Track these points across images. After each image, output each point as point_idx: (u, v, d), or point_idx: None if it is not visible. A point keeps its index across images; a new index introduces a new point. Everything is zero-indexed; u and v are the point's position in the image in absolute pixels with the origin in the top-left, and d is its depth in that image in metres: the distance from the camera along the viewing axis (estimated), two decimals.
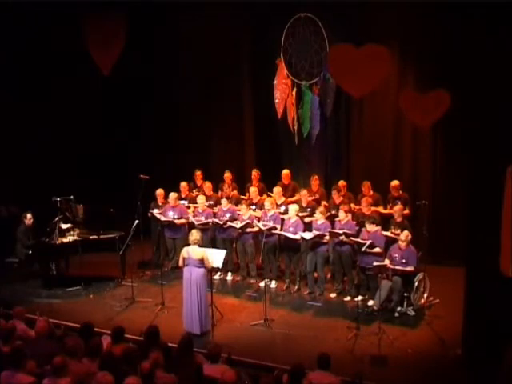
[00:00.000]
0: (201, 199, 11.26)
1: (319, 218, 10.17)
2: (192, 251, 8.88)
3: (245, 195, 11.84)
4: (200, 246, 8.99)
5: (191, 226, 11.02)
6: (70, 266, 11.26)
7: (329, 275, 10.58)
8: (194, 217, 11.21)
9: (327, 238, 10.05)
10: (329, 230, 10.00)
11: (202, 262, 8.85)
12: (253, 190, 11.41)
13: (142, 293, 10.44)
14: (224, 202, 11.15)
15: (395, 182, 10.88)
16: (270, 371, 7.02)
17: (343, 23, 11.77)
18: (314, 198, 11.17)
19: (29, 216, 11.19)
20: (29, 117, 12.28)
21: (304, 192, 10.97)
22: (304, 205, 10.81)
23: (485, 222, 7.27)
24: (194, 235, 8.94)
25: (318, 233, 10.02)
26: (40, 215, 11.14)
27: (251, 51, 13.01)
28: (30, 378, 6.01)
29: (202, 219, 11.08)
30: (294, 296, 10.44)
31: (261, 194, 11.52)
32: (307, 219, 10.54)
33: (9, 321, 7.50)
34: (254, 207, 11.18)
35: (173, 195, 11.33)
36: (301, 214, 10.57)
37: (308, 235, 10.11)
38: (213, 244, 10.87)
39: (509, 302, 7.11)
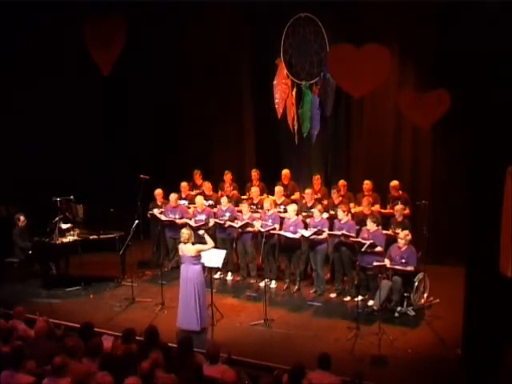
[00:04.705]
0: (199, 199, 11.26)
1: (317, 216, 10.17)
2: (185, 249, 8.94)
3: (245, 195, 11.85)
4: (193, 243, 9.03)
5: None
6: (70, 265, 11.26)
7: (328, 275, 10.59)
8: (193, 217, 11.19)
9: (325, 234, 10.04)
10: (327, 231, 9.99)
11: (197, 258, 8.91)
12: (254, 190, 11.41)
13: (142, 293, 10.44)
14: (224, 201, 11.14)
15: (395, 182, 10.89)
16: (270, 371, 7.01)
17: (343, 23, 11.77)
18: (315, 197, 11.17)
19: (22, 218, 11.20)
20: (29, 117, 12.29)
21: (308, 191, 10.96)
22: (309, 204, 10.78)
23: (485, 222, 7.26)
24: (184, 235, 8.95)
25: (316, 229, 10.00)
26: (40, 215, 11.13)
27: (251, 51, 13.01)
28: (30, 377, 6.01)
29: (203, 218, 11.08)
30: (294, 296, 10.45)
31: (261, 194, 11.53)
32: (309, 220, 10.51)
33: (9, 321, 7.51)
34: (254, 207, 11.18)
35: (173, 196, 11.32)
36: (304, 214, 10.56)
37: (307, 232, 10.11)
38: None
39: (509, 301, 7.11)
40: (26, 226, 11.24)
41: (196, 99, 13.38)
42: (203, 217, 11.12)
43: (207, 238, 9.29)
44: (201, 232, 9.56)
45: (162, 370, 6.03)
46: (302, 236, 10.19)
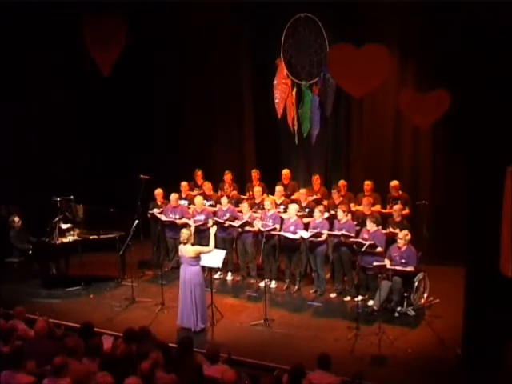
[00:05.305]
0: (198, 199, 11.25)
1: (318, 217, 10.17)
2: (184, 249, 8.95)
3: (245, 195, 11.85)
4: (193, 244, 9.04)
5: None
6: (70, 265, 11.26)
7: (328, 275, 10.60)
8: (192, 217, 11.19)
9: (324, 236, 10.05)
10: (327, 231, 10.00)
11: (195, 260, 8.90)
12: (257, 190, 11.40)
13: (142, 293, 10.45)
14: (224, 200, 11.14)
15: (395, 182, 10.89)
16: (270, 371, 7.01)
17: (343, 23, 11.76)
18: (315, 197, 11.18)
19: (16, 219, 11.19)
20: (29, 117, 12.29)
21: (303, 191, 10.97)
22: (303, 204, 10.81)
23: (485, 222, 7.27)
24: (183, 235, 8.96)
25: (315, 231, 10.01)
26: (40, 215, 11.13)
27: (251, 51, 13.01)
28: (30, 377, 6.02)
29: (202, 218, 11.08)
30: (294, 296, 10.44)
31: (261, 194, 11.52)
32: (305, 220, 10.53)
33: (9, 321, 7.51)
34: (256, 207, 11.18)
35: (174, 196, 11.32)
36: (299, 214, 10.56)
37: (306, 234, 10.11)
38: None
39: (509, 301, 7.11)
40: (22, 227, 11.23)
41: (196, 99, 13.38)
42: (202, 217, 11.11)
43: (212, 237, 9.21)
44: (213, 229, 9.39)
45: (162, 370, 6.03)
46: (301, 237, 10.19)
